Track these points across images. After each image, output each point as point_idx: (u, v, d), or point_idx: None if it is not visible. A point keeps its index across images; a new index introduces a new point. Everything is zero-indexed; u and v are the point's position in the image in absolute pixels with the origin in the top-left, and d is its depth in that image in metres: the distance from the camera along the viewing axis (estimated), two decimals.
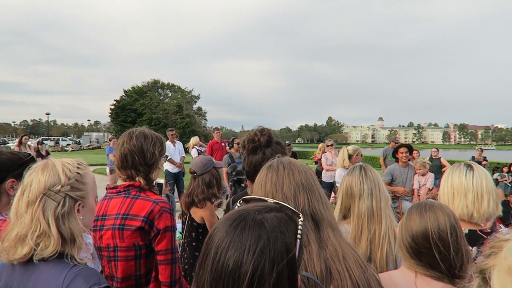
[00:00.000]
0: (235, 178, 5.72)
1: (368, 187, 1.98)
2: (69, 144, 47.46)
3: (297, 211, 0.89)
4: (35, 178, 1.26)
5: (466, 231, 1.83)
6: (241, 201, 0.94)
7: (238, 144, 8.05)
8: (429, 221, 1.42)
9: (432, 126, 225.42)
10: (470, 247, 1.77)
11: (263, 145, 1.99)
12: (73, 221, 1.25)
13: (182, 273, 2.07)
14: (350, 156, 5.69)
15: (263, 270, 0.72)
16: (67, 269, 1.20)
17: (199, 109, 49.78)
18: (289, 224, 0.81)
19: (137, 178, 1.88)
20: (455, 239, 1.40)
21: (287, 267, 0.75)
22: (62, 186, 1.25)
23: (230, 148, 8.25)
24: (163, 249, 1.78)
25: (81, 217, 1.30)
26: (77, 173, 1.32)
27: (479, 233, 1.83)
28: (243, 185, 6.34)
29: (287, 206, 0.89)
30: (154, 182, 1.96)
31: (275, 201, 0.93)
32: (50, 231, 1.20)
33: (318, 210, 1.25)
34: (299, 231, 0.81)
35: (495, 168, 14.73)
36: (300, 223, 0.83)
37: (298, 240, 0.79)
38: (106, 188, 1.97)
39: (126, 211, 1.78)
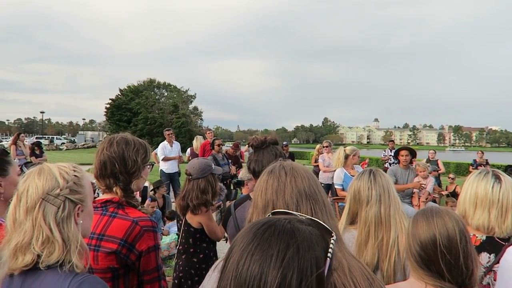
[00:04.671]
0: (235, 180, 5.60)
1: (376, 192, 1.93)
2: (63, 143, 47.05)
3: (330, 229, 0.81)
4: (31, 183, 1.19)
5: (484, 237, 1.78)
6: (269, 215, 0.88)
7: (219, 145, 7.86)
8: (437, 228, 1.36)
9: (427, 127, 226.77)
10: (488, 254, 1.74)
11: (272, 143, 2.17)
12: (73, 225, 1.20)
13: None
14: (347, 156, 5.61)
15: (291, 281, 0.65)
16: (70, 277, 1.14)
17: (195, 108, 49.61)
18: (320, 240, 0.73)
19: (114, 189, 1.73)
20: (465, 245, 1.34)
21: (315, 284, 0.67)
22: (61, 190, 1.20)
23: (211, 149, 7.99)
24: (149, 268, 1.68)
25: (81, 221, 1.25)
26: (75, 175, 1.26)
27: (497, 240, 1.75)
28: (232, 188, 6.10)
29: (320, 223, 0.82)
30: (137, 192, 1.82)
31: (308, 216, 0.86)
32: (53, 237, 1.15)
33: (322, 221, 1.19)
34: (330, 250, 0.73)
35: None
36: (332, 242, 0.76)
37: (328, 259, 0.72)
38: None
39: (102, 231, 1.63)
